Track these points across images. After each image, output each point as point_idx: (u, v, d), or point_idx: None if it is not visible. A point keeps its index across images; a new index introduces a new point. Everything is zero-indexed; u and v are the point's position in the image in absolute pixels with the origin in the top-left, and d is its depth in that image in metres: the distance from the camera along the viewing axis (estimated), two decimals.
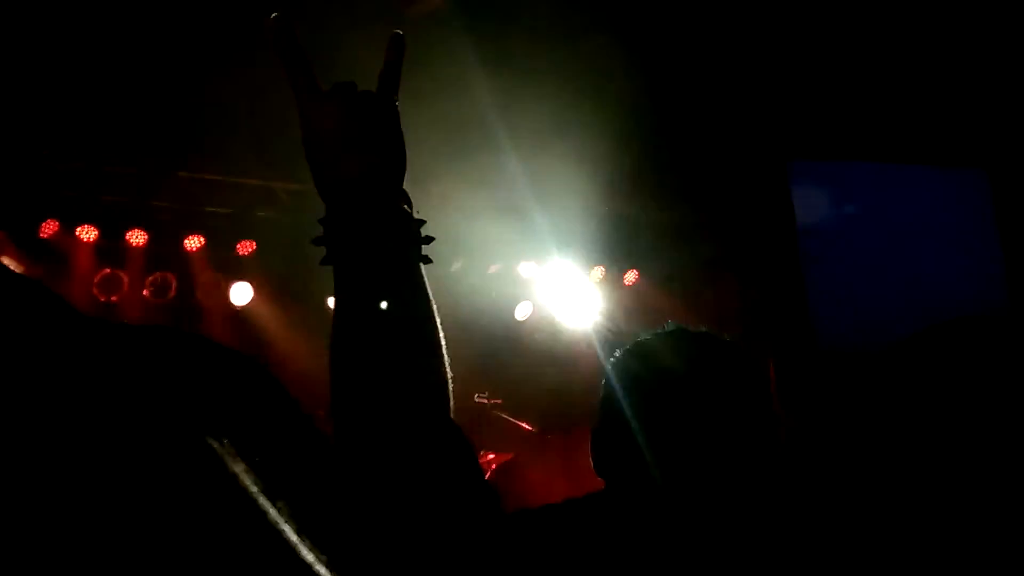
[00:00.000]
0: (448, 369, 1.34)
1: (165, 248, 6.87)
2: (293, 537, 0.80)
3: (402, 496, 1.17)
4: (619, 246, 8.11)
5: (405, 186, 1.35)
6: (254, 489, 0.79)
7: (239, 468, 0.79)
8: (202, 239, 6.96)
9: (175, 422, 0.80)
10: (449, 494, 1.23)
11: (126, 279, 6.76)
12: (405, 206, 1.33)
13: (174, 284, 6.93)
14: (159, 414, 0.79)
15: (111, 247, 6.73)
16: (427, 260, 1.32)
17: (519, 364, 8.04)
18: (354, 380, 1.23)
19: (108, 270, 6.74)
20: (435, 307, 1.32)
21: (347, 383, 1.23)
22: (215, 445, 0.79)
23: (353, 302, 1.25)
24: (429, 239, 1.34)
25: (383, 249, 1.26)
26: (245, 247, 7.14)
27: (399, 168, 1.35)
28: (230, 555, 0.76)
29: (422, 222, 1.34)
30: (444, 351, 1.34)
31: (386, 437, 1.20)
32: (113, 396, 0.78)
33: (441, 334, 1.34)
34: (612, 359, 1.79)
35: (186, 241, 6.92)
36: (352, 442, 1.21)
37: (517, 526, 1.53)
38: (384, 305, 1.24)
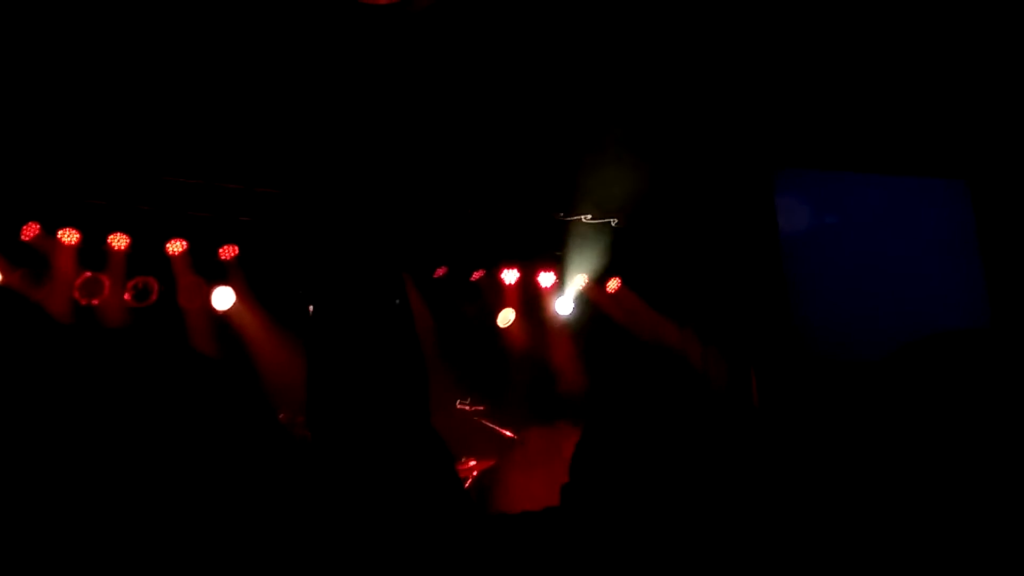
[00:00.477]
0: (427, 376, 1.34)
1: (147, 252, 6.84)
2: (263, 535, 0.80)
3: (377, 500, 1.17)
4: (603, 254, 8.12)
5: (390, 193, 1.35)
6: (225, 491, 0.79)
7: (212, 471, 0.79)
8: (184, 243, 6.94)
9: (148, 426, 0.79)
10: (424, 498, 1.23)
11: (107, 283, 6.73)
12: (388, 215, 1.33)
13: (156, 288, 6.90)
14: (132, 419, 0.79)
15: (93, 250, 6.71)
16: (408, 268, 1.33)
17: (501, 371, 8.05)
18: (332, 385, 1.23)
19: (89, 273, 6.70)
20: (414, 313, 1.32)
21: (325, 388, 1.23)
22: (189, 450, 0.79)
23: (333, 308, 1.26)
24: (412, 246, 1.34)
25: (364, 256, 1.27)
26: (227, 251, 7.12)
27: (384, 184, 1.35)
28: (203, 554, 0.76)
29: (405, 230, 1.34)
30: (423, 357, 1.34)
31: (363, 442, 1.20)
32: (88, 401, 0.78)
33: (419, 340, 1.34)
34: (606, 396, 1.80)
35: (168, 245, 6.90)
36: (329, 446, 1.21)
37: (492, 531, 1.53)
38: (364, 312, 1.24)
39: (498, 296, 8.09)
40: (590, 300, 8.31)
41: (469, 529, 1.31)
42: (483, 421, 7.11)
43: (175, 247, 6.92)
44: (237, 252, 7.13)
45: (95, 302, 6.68)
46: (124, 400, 0.80)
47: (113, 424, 0.77)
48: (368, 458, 1.20)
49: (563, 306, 8.17)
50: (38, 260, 6.54)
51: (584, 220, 7.72)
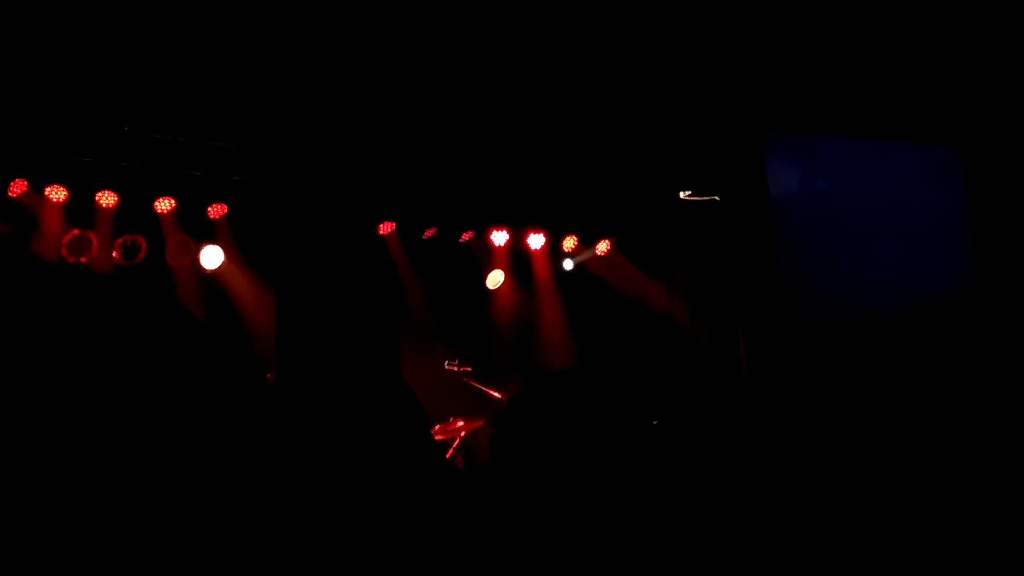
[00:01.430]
0: (397, 329, 1.35)
1: (135, 210, 6.81)
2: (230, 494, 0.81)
3: (344, 450, 1.18)
4: (593, 216, 8.13)
5: (379, 155, 1.35)
6: (209, 447, 0.80)
7: (196, 427, 0.80)
8: (173, 201, 6.91)
9: (136, 385, 0.80)
10: (392, 449, 1.24)
11: (95, 240, 6.70)
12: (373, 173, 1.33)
13: (144, 246, 6.89)
14: (120, 378, 0.79)
15: (80, 207, 6.67)
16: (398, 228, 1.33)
17: (490, 332, 8.08)
18: (300, 337, 1.24)
19: (77, 231, 6.68)
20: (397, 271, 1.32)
21: (295, 336, 1.24)
22: (175, 407, 0.80)
23: (310, 262, 1.26)
24: (401, 206, 1.34)
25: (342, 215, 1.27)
26: (216, 210, 7.09)
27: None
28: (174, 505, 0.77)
29: (388, 191, 1.34)
30: (398, 314, 1.35)
31: (330, 391, 1.21)
32: (77, 359, 0.78)
33: (396, 297, 1.34)
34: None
35: (157, 203, 6.87)
36: (295, 392, 1.21)
37: (461, 483, 1.54)
38: (340, 267, 1.24)
39: (487, 257, 8.10)
40: (579, 262, 8.34)
41: (435, 478, 1.33)
42: (471, 382, 7.13)
43: (163, 205, 6.89)
44: (226, 211, 7.11)
45: (83, 260, 6.66)
46: (113, 359, 0.80)
47: (101, 381, 0.78)
48: (335, 408, 1.21)
49: (567, 264, 8.24)
50: (25, 217, 6.50)
51: (575, 183, 7.69)
